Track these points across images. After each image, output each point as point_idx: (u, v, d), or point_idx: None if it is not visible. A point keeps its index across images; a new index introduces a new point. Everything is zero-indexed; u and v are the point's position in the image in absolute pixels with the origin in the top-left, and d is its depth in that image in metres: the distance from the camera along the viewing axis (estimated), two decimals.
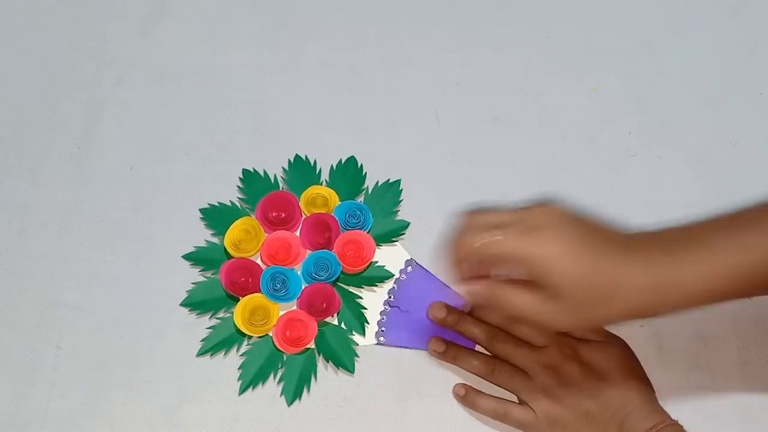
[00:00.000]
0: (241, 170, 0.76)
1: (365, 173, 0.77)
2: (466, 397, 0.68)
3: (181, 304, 0.71)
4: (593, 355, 0.65)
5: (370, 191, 0.76)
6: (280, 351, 0.70)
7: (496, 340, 0.67)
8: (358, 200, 0.76)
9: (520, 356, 0.66)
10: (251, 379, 0.69)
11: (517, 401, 0.67)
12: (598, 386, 0.63)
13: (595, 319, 0.56)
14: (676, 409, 0.64)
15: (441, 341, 0.69)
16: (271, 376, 0.69)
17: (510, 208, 0.56)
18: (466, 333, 0.69)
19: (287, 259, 0.72)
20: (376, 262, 0.73)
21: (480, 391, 0.68)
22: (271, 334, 0.70)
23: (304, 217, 0.74)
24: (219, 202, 0.75)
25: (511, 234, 0.53)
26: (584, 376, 0.64)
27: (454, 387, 0.69)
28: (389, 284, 0.73)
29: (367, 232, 0.73)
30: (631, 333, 0.69)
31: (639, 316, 0.55)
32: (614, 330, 0.68)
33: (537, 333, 0.67)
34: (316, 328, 0.70)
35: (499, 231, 0.54)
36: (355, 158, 0.77)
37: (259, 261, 0.73)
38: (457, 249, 0.56)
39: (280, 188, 0.76)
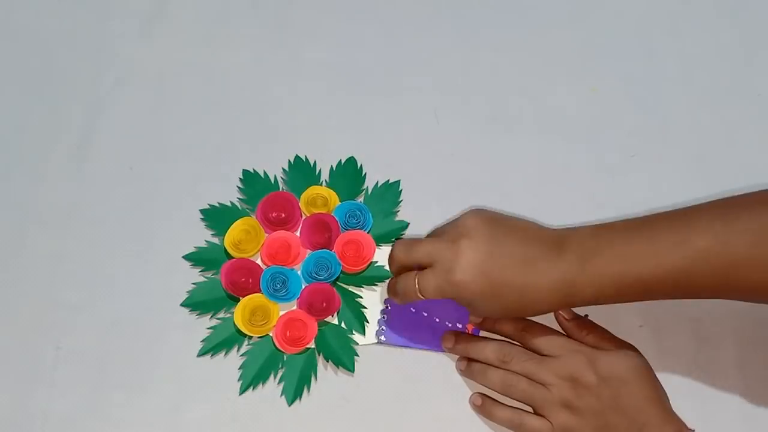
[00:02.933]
0: (241, 171, 0.77)
1: (365, 174, 0.77)
2: (483, 406, 0.68)
3: (181, 305, 0.71)
4: (610, 364, 0.64)
5: (369, 192, 0.76)
6: (280, 351, 0.70)
7: (509, 358, 0.67)
8: (358, 200, 0.76)
9: (536, 371, 0.65)
10: (251, 379, 0.69)
11: (533, 411, 0.67)
12: (616, 396, 0.63)
13: (511, 314, 0.64)
14: (676, 409, 0.64)
15: (452, 336, 0.70)
16: (272, 376, 0.69)
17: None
18: (479, 356, 0.68)
19: (287, 259, 0.72)
20: (376, 262, 0.73)
21: (496, 401, 0.68)
22: (271, 334, 0.70)
23: (304, 217, 0.74)
24: (219, 203, 0.75)
25: (436, 242, 0.64)
26: (602, 387, 0.63)
27: (471, 396, 0.69)
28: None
29: (367, 232, 0.73)
30: (631, 333, 0.69)
31: (555, 309, 0.65)
32: (617, 335, 0.68)
33: (551, 344, 0.66)
34: (316, 328, 0.70)
35: (427, 239, 0.65)
36: (354, 159, 0.77)
37: (259, 261, 0.73)
38: (391, 258, 0.68)
39: (280, 188, 0.76)
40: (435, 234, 0.67)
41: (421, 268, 0.65)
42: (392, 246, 0.68)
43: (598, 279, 0.60)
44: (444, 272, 0.62)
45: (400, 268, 0.67)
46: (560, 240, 0.62)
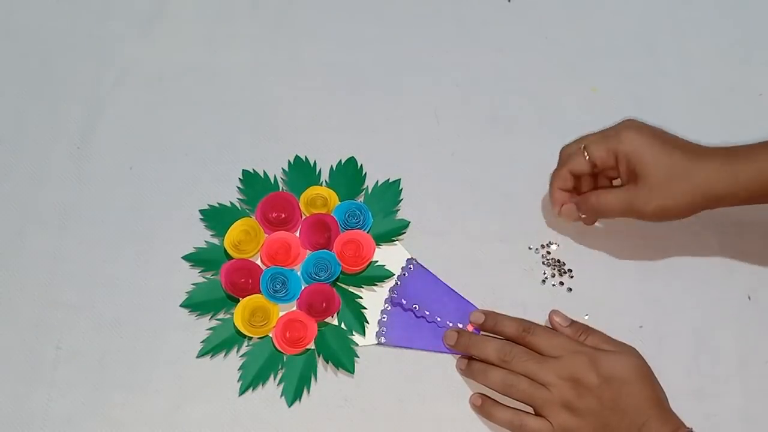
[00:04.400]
0: (241, 171, 0.77)
1: (365, 173, 0.77)
2: (482, 407, 0.68)
3: (181, 305, 0.71)
4: (611, 365, 0.64)
5: (369, 191, 0.76)
6: (280, 352, 0.70)
7: (510, 357, 0.67)
8: (358, 200, 0.76)
9: (537, 371, 0.65)
10: (251, 379, 0.69)
11: (533, 412, 0.67)
12: (617, 396, 0.63)
13: (677, 199, 0.66)
14: (676, 409, 0.64)
15: (454, 333, 0.70)
16: (271, 377, 0.69)
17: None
18: (480, 355, 0.68)
19: (287, 259, 0.72)
20: (376, 261, 0.73)
21: (496, 401, 0.68)
22: (271, 335, 0.70)
23: (303, 217, 0.74)
24: (219, 203, 0.75)
25: (597, 140, 0.69)
26: (603, 387, 0.63)
27: (471, 396, 0.69)
28: (391, 282, 0.73)
29: (367, 232, 0.73)
30: (631, 333, 0.69)
31: (712, 201, 0.66)
32: (617, 335, 0.68)
33: (552, 344, 0.66)
34: (316, 329, 0.70)
35: (587, 141, 0.70)
36: (354, 159, 0.77)
37: (258, 262, 0.73)
38: (560, 163, 0.72)
39: (280, 189, 0.76)
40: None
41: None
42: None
43: (754, 173, 0.64)
44: (612, 135, 0.68)
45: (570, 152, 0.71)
46: (710, 147, 0.67)
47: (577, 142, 0.71)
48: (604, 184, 0.71)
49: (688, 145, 0.67)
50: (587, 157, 0.69)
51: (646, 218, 0.67)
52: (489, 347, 0.68)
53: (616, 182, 0.71)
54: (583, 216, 0.71)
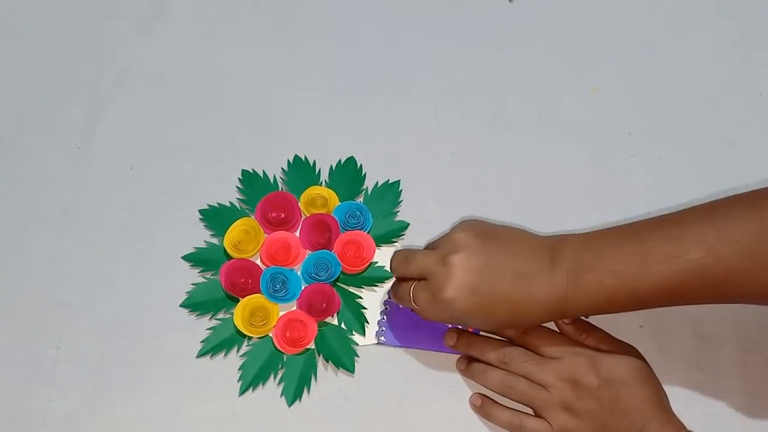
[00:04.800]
0: (241, 171, 0.77)
1: (365, 174, 0.77)
2: (482, 407, 0.68)
3: (181, 305, 0.71)
4: (611, 367, 0.64)
5: (369, 192, 0.76)
6: (280, 352, 0.70)
7: (509, 359, 0.67)
8: (358, 201, 0.76)
9: (537, 372, 0.65)
10: (251, 379, 0.69)
11: (533, 413, 0.67)
12: (616, 398, 0.63)
13: (503, 326, 0.67)
14: (676, 409, 0.64)
15: (454, 334, 0.70)
16: (271, 376, 0.69)
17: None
18: (480, 356, 0.68)
19: (287, 259, 0.72)
20: (376, 262, 0.73)
21: (496, 402, 0.68)
22: (271, 335, 0.70)
23: (303, 217, 0.74)
24: (218, 203, 0.75)
25: (429, 257, 0.64)
26: (603, 388, 0.63)
27: (471, 397, 0.69)
28: (390, 283, 0.73)
29: (367, 233, 0.73)
30: (631, 333, 0.69)
31: (546, 321, 0.63)
32: (617, 335, 0.68)
33: (552, 345, 0.66)
34: (316, 329, 0.70)
35: (423, 253, 0.65)
36: (354, 159, 0.77)
37: (258, 262, 0.73)
38: (391, 267, 0.68)
39: (280, 189, 0.76)
40: (430, 246, 0.67)
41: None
42: (392, 256, 0.68)
43: (590, 293, 0.60)
44: (436, 289, 0.62)
45: (398, 278, 0.68)
46: (552, 252, 0.62)
47: (411, 264, 0.65)
48: None
49: (516, 278, 0.61)
50: (413, 305, 0.64)
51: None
52: (488, 348, 0.68)
53: None
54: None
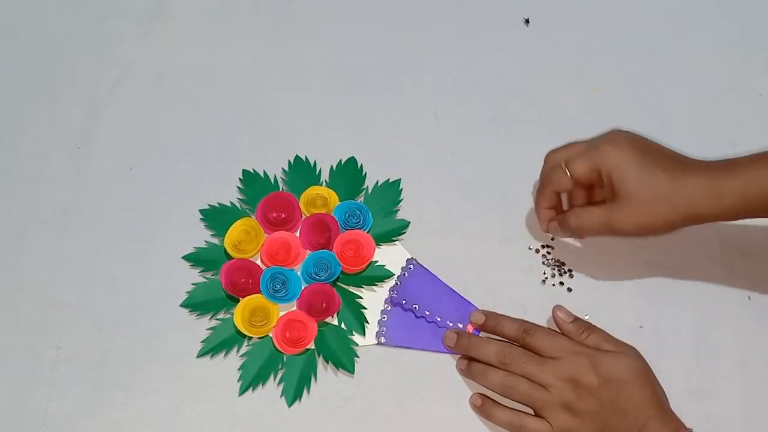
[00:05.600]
0: (241, 171, 0.77)
1: (365, 173, 0.77)
2: (482, 407, 0.68)
3: (181, 305, 0.71)
4: (611, 366, 0.64)
5: (369, 191, 0.76)
6: (280, 352, 0.70)
7: (509, 359, 0.67)
8: (358, 200, 0.76)
9: (537, 372, 0.65)
10: (251, 379, 0.69)
11: (533, 413, 0.66)
12: (616, 397, 0.63)
13: (657, 220, 0.65)
14: (676, 409, 0.64)
15: (453, 334, 0.70)
16: (271, 377, 0.69)
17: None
18: (480, 356, 0.68)
19: (287, 259, 0.72)
20: (376, 261, 0.73)
21: (496, 402, 0.68)
22: (271, 335, 0.70)
23: (303, 217, 0.74)
24: (219, 203, 0.75)
25: (579, 155, 0.67)
26: (603, 388, 0.63)
27: (471, 397, 0.69)
28: (391, 282, 0.73)
29: (367, 232, 0.73)
30: (631, 333, 0.69)
31: (694, 220, 0.65)
32: (617, 335, 0.68)
33: (552, 345, 0.66)
34: (316, 329, 0.70)
35: (569, 153, 0.68)
36: (354, 159, 0.77)
37: (258, 262, 0.73)
38: (543, 182, 0.71)
39: (280, 189, 0.76)
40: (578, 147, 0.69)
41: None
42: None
43: (739, 189, 0.63)
44: (594, 147, 0.67)
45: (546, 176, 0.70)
46: (681, 159, 0.66)
47: (561, 152, 0.70)
48: (595, 195, 0.71)
49: (671, 161, 0.66)
50: (569, 175, 0.68)
51: (625, 236, 0.69)
52: (488, 349, 0.68)
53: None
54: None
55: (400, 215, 0.75)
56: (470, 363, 0.69)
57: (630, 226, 0.66)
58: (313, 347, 0.70)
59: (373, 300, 0.72)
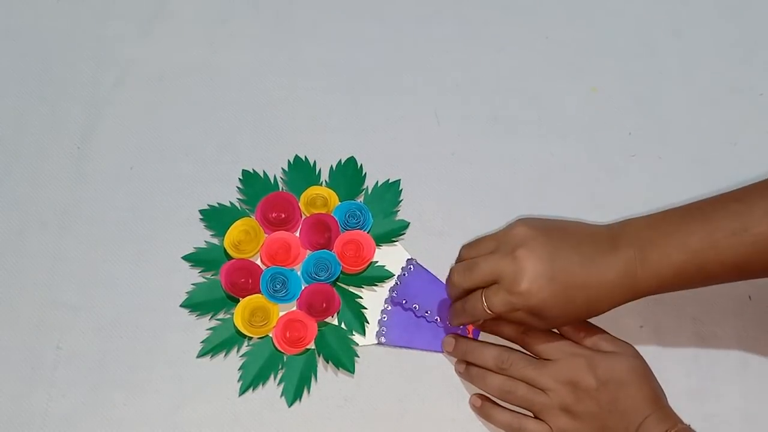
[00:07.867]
0: (241, 171, 0.77)
1: (365, 173, 0.77)
2: (482, 408, 0.68)
3: (181, 305, 0.71)
4: (609, 368, 0.64)
5: (369, 191, 0.76)
6: (280, 352, 0.70)
7: (507, 364, 0.66)
8: (358, 200, 0.76)
9: (536, 376, 0.65)
10: (251, 379, 0.69)
11: (532, 415, 0.66)
12: (615, 398, 0.63)
13: (580, 316, 0.64)
14: (676, 409, 0.64)
15: (452, 339, 0.70)
16: (272, 377, 0.69)
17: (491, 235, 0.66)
18: (478, 361, 0.68)
19: (287, 259, 0.72)
20: (376, 262, 0.73)
21: (495, 403, 0.68)
22: (271, 335, 0.70)
23: (303, 217, 0.74)
24: (219, 203, 0.75)
25: (493, 259, 0.63)
26: (602, 390, 0.63)
27: (471, 398, 0.69)
28: (391, 282, 0.73)
29: (367, 232, 0.73)
30: (631, 333, 0.69)
31: (619, 304, 0.63)
32: (617, 335, 0.68)
33: (549, 346, 0.66)
34: (316, 329, 0.70)
35: (483, 258, 0.64)
36: (354, 159, 0.77)
37: (258, 262, 0.73)
38: (452, 284, 0.66)
39: (280, 189, 0.76)
40: (480, 248, 0.66)
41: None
42: (449, 273, 0.66)
43: (659, 269, 0.60)
44: (510, 284, 0.61)
45: (461, 293, 0.66)
46: (615, 235, 0.62)
47: (476, 272, 0.64)
48: None
49: (577, 258, 0.61)
50: (489, 312, 0.63)
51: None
52: (487, 354, 0.68)
53: None
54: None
55: (400, 215, 0.75)
56: (469, 366, 0.69)
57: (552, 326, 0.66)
58: (313, 347, 0.70)
59: (373, 300, 0.72)
